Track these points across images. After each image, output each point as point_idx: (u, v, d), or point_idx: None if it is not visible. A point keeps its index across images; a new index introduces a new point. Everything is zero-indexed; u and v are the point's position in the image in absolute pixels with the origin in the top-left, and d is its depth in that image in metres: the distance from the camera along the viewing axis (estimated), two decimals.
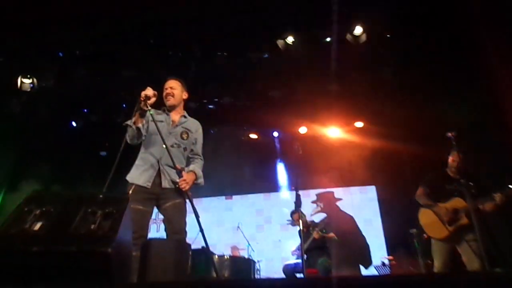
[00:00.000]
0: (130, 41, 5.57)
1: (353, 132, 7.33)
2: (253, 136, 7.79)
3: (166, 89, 3.23)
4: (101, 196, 1.82)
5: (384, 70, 5.92)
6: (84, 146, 6.76)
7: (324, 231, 5.48)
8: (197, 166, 3.14)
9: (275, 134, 7.68)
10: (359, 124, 7.32)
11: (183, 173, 2.90)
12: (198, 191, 7.99)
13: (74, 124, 6.88)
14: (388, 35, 5.42)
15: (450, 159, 4.23)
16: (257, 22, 5.28)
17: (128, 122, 2.93)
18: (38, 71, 5.76)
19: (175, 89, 3.23)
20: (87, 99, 6.47)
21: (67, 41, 5.60)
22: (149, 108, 2.86)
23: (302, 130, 7.46)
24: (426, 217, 4.20)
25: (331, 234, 5.49)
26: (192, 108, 6.72)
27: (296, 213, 5.73)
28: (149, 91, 2.85)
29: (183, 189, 2.86)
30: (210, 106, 6.95)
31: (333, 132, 7.42)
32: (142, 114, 2.89)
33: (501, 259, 4.30)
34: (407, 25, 5.32)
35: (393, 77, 5.94)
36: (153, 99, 2.87)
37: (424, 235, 4.25)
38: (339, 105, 6.64)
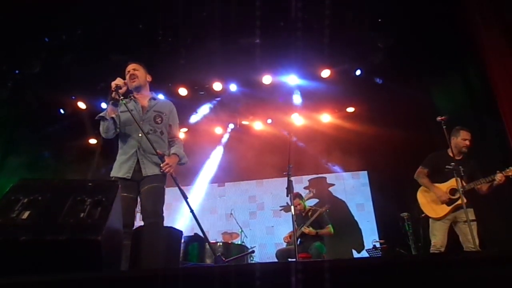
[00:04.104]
0: (119, 26, 5.44)
1: (345, 117, 7.32)
2: (245, 122, 7.75)
3: (129, 71, 3.18)
4: (90, 184, 1.78)
5: (375, 55, 5.89)
6: (72, 133, 6.67)
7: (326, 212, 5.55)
8: (177, 147, 3.19)
9: (269, 121, 7.65)
10: (350, 109, 7.31)
11: (165, 157, 2.95)
12: (191, 179, 7.95)
13: (61, 111, 6.76)
14: (379, 19, 5.38)
15: (460, 138, 4.12)
16: (248, 7, 5.17)
17: (102, 115, 2.95)
18: (24, 57, 5.61)
19: (137, 70, 3.20)
20: (75, 86, 6.34)
21: (53, 27, 5.45)
22: (121, 97, 2.90)
23: (295, 116, 7.44)
24: (424, 196, 4.22)
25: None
26: (182, 94, 6.65)
27: (297, 198, 5.75)
28: (119, 81, 2.91)
29: (168, 172, 2.90)
30: (201, 92, 6.87)
31: (325, 118, 7.41)
32: (115, 104, 2.94)
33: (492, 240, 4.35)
34: (398, 9, 5.28)
35: (383, 62, 5.91)
36: (124, 88, 2.93)
37: (422, 214, 4.27)
38: (331, 91, 6.62)
